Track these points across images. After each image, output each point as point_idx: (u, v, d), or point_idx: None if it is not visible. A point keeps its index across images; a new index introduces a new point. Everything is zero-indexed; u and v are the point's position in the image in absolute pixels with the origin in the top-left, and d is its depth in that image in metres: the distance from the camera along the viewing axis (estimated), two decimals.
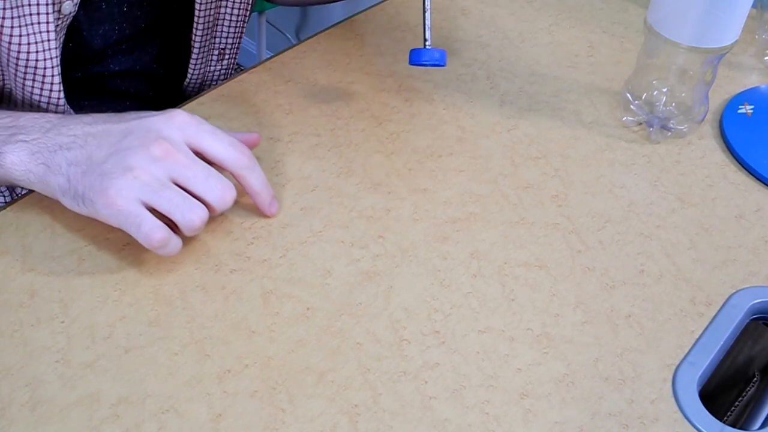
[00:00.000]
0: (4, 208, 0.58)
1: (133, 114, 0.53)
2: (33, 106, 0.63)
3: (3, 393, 0.47)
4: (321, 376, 0.49)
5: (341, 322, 0.52)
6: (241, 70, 0.73)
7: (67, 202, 0.52)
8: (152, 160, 0.50)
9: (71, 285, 0.53)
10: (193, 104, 0.68)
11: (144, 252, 0.55)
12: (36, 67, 0.59)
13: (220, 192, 0.52)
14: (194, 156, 0.52)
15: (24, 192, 0.58)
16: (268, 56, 0.74)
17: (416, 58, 0.60)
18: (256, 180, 0.55)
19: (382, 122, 0.68)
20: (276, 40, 1.90)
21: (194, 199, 0.51)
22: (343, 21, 0.79)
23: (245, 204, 0.59)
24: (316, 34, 0.77)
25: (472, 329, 0.52)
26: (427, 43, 0.60)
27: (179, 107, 0.67)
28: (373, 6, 0.82)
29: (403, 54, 0.75)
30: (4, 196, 0.71)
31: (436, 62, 0.60)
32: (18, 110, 0.59)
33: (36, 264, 0.54)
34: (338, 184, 0.62)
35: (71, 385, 0.47)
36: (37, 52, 0.59)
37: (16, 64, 0.59)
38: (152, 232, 0.50)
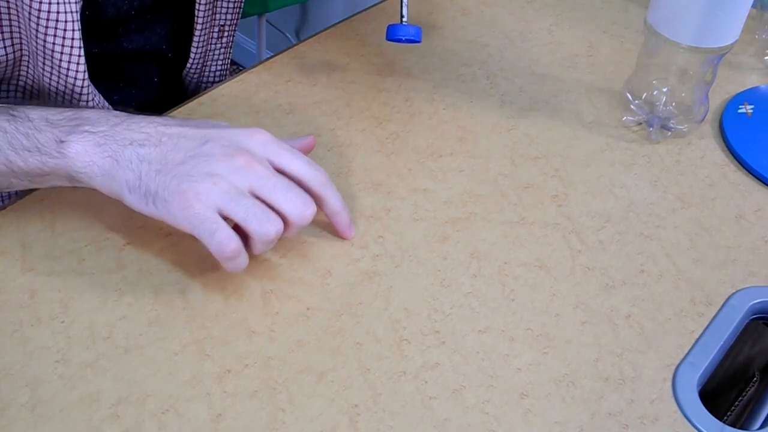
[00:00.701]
0: (4, 208, 0.58)
1: (209, 123, 0.53)
2: (54, 71, 0.62)
3: (3, 393, 0.47)
4: (321, 376, 0.49)
5: (341, 322, 0.52)
6: (241, 70, 0.73)
7: (133, 200, 0.50)
8: (234, 169, 0.49)
9: (71, 285, 0.53)
10: (193, 104, 0.68)
11: (144, 252, 0.55)
12: (57, 20, 0.59)
13: (300, 205, 0.50)
14: (275, 170, 0.51)
15: (22, 192, 0.58)
16: (268, 56, 0.74)
17: (392, 33, 0.60)
18: (335, 199, 0.54)
19: (382, 122, 0.68)
20: (276, 40, 1.89)
21: (272, 211, 0.50)
22: (343, 21, 0.79)
23: None
24: (316, 34, 0.77)
25: (472, 329, 0.52)
26: (403, 20, 0.60)
27: (182, 106, 0.67)
28: (373, 6, 0.82)
29: (403, 54, 0.75)
30: (3, 200, 0.71)
31: (412, 38, 0.60)
32: (41, 96, 0.59)
33: (36, 264, 0.54)
34: (338, 184, 0.61)
35: (71, 385, 0.47)
36: (58, 3, 0.58)
37: (38, 17, 0.58)
38: (227, 240, 0.48)
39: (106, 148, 0.50)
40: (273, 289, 0.54)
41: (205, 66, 0.78)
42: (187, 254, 0.55)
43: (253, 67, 0.73)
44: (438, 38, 0.78)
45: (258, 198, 0.50)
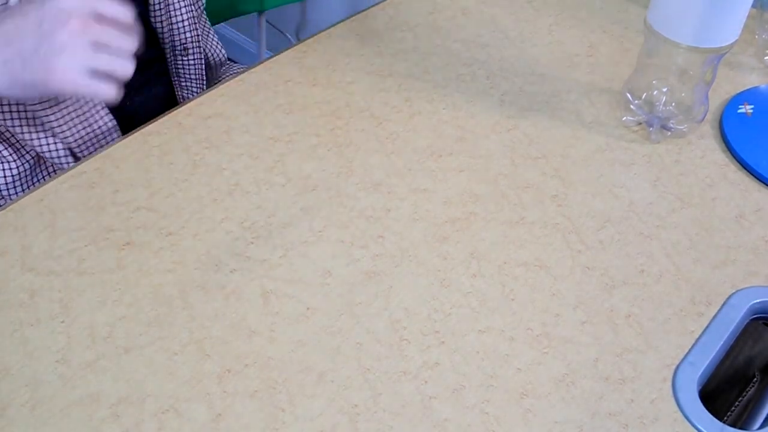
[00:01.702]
0: (4, 208, 0.58)
1: (29, 5, 0.57)
2: None
3: (3, 393, 0.47)
4: (321, 376, 0.49)
5: (341, 322, 0.52)
6: (241, 70, 0.73)
7: (13, 93, 0.57)
8: (75, 35, 0.55)
9: (71, 285, 0.53)
10: (192, 104, 0.68)
11: (144, 252, 0.55)
12: None
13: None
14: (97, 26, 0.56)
15: (22, 192, 0.58)
16: (268, 56, 0.74)
17: None
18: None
19: (382, 122, 0.68)
20: (276, 40, 1.89)
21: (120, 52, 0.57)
22: (343, 21, 0.79)
23: (245, 203, 0.59)
24: (316, 34, 0.77)
25: (472, 329, 0.52)
26: None
27: (182, 106, 0.67)
28: (373, 6, 0.82)
29: (404, 54, 0.75)
30: (4, 198, 0.71)
31: None
32: None
33: (36, 264, 0.54)
34: (338, 184, 0.62)
35: (71, 385, 0.47)
36: None
37: None
38: (105, 92, 0.56)
39: None
40: (273, 289, 0.54)
41: (181, 78, 0.80)
42: (187, 254, 0.55)
43: (253, 67, 0.73)
44: (438, 38, 0.78)
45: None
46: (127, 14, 0.59)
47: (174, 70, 0.79)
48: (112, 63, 0.57)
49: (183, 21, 0.75)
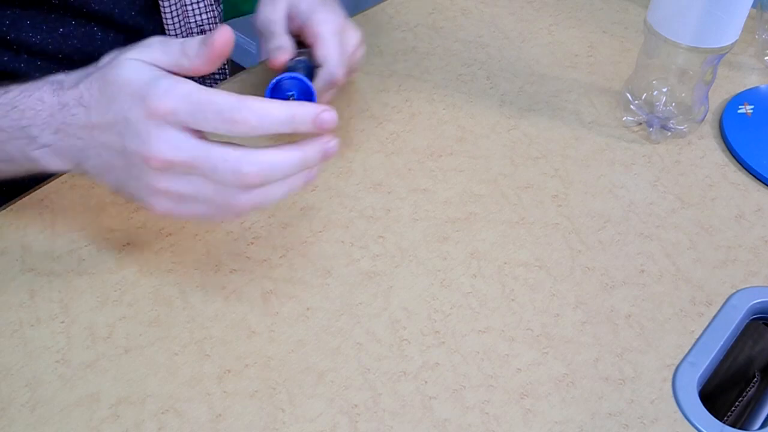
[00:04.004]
0: (4, 208, 0.58)
1: (113, 69, 0.46)
2: None
3: (3, 393, 0.47)
4: (321, 376, 0.49)
5: (341, 322, 0.52)
6: (241, 70, 0.73)
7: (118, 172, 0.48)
8: (160, 173, 0.45)
9: (71, 285, 0.53)
10: None
11: (144, 252, 0.55)
12: None
13: (233, 175, 0.45)
14: (196, 143, 0.45)
15: (23, 192, 0.58)
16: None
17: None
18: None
19: (382, 122, 0.68)
20: None
21: (226, 192, 0.46)
22: None
23: None
24: None
25: (472, 329, 0.52)
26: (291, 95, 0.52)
27: None
28: (373, 6, 0.82)
29: (404, 54, 0.75)
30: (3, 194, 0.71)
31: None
32: None
33: (36, 264, 0.54)
34: (338, 184, 0.61)
35: (71, 385, 0.47)
36: None
37: None
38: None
39: (67, 155, 0.48)
40: (273, 289, 0.54)
41: None
42: (187, 254, 0.55)
43: (253, 67, 0.73)
44: (438, 38, 0.78)
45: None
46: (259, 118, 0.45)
47: None
48: (204, 210, 0.47)
49: (198, 2, 0.72)
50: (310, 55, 0.60)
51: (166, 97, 0.44)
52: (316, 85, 0.58)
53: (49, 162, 0.49)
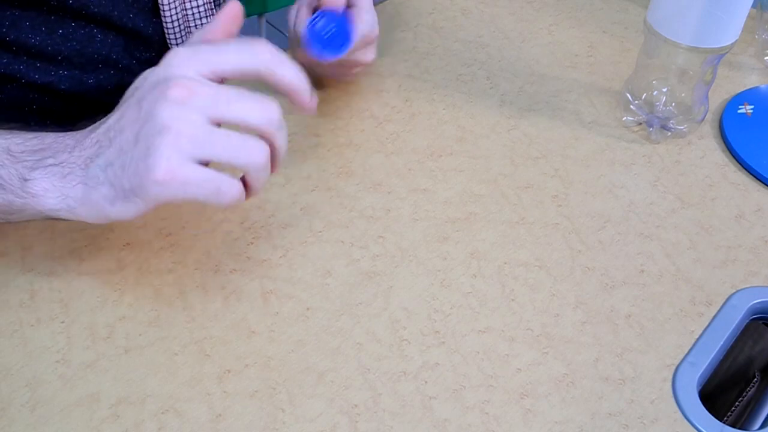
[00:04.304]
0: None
1: (132, 87, 0.48)
2: None
3: (3, 393, 0.47)
4: (321, 376, 0.49)
5: (341, 322, 0.52)
6: None
7: (119, 210, 0.46)
8: (179, 107, 0.43)
9: (71, 285, 0.53)
10: None
11: (144, 252, 0.55)
12: None
13: (262, 108, 0.45)
14: (214, 83, 0.45)
15: None
16: None
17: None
18: (287, 72, 0.47)
19: (382, 122, 0.68)
20: (276, 40, 1.89)
21: (248, 136, 0.45)
22: None
23: (245, 203, 0.59)
24: None
25: (472, 329, 0.52)
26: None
27: None
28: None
29: (404, 54, 0.75)
30: None
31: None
32: None
33: (36, 264, 0.54)
34: (338, 184, 0.62)
35: (71, 385, 0.47)
36: None
37: None
38: (232, 191, 0.45)
39: (72, 177, 0.47)
40: (273, 289, 0.54)
41: None
42: (187, 254, 0.55)
43: None
44: (438, 38, 0.78)
45: (220, 122, 0.45)
46: (262, 63, 0.46)
47: None
48: (237, 152, 0.44)
49: (198, 7, 0.72)
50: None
51: (177, 51, 0.46)
52: (357, 54, 0.61)
53: (43, 186, 0.47)
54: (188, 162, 0.43)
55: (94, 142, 0.48)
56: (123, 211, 0.47)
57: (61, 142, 0.49)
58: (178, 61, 0.45)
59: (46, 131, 0.50)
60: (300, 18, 0.62)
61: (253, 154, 0.45)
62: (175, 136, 0.43)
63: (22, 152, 0.48)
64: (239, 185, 0.46)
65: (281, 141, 0.48)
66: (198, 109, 0.44)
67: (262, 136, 0.46)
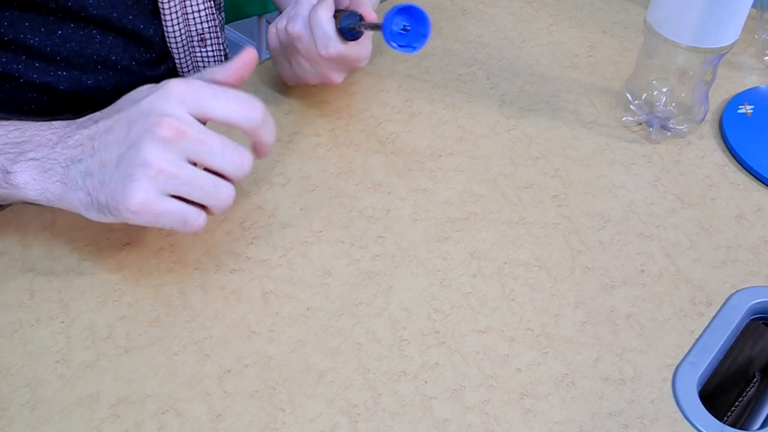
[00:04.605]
0: (4, 208, 0.58)
1: (127, 99, 0.50)
2: None
3: (3, 393, 0.47)
4: (321, 376, 0.49)
5: (341, 322, 0.52)
6: None
7: (92, 215, 0.49)
8: (164, 146, 0.47)
9: (71, 285, 0.53)
10: None
11: (144, 252, 0.55)
12: None
13: (237, 161, 0.49)
14: (203, 128, 0.48)
15: None
16: (268, 56, 0.74)
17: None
18: (267, 134, 0.52)
19: (382, 122, 0.68)
20: None
21: (219, 179, 0.49)
22: None
23: (245, 204, 0.59)
24: None
25: (472, 329, 0.52)
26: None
27: None
28: None
29: (403, 54, 0.75)
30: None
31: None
32: None
33: (36, 264, 0.54)
34: (338, 184, 0.62)
35: (71, 385, 0.47)
36: None
37: None
38: (198, 222, 0.49)
39: (53, 173, 0.49)
40: (273, 289, 0.54)
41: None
42: (187, 254, 0.55)
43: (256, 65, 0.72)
44: (438, 38, 0.78)
45: (197, 161, 0.49)
46: (251, 122, 0.50)
47: (192, 65, 0.76)
48: (209, 195, 0.48)
49: (199, 11, 0.72)
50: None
51: (178, 83, 0.48)
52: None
53: (24, 178, 0.49)
54: (162, 196, 0.47)
55: (77, 143, 0.49)
56: (95, 218, 0.50)
57: (42, 135, 0.50)
58: (175, 94, 0.48)
59: (26, 121, 0.52)
60: (321, 17, 0.63)
61: (221, 198, 0.49)
62: (156, 172, 0.46)
63: (5, 144, 0.50)
64: (203, 216, 0.49)
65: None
66: (181, 151, 0.47)
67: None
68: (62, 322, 0.51)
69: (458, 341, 0.51)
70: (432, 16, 0.81)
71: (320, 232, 0.58)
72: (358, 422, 0.46)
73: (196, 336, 0.50)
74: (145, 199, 0.46)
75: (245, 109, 0.50)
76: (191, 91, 0.48)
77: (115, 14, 0.66)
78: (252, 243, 0.56)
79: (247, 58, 0.53)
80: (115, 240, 0.56)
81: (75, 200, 0.49)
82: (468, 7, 0.83)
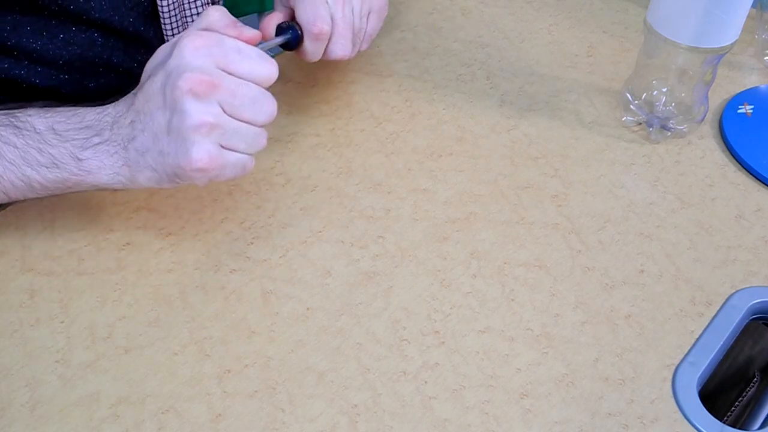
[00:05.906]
0: (4, 208, 0.58)
1: (152, 64, 0.52)
2: None
3: (3, 393, 0.47)
4: (321, 376, 0.49)
5: (341, 322, 0.52)
6: None
7: (165, 186, 0.52)
8: (202, 102, 0.49)
9: (71, 285, 0.53)
10: None
11: (144, 252, 0.55)
12: None
13: (267, 112, 0.52)
14: (232, 78, 0.50)
15: None
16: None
17: None
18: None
19: (382, 122, 0.68)
20: None
21: (256, 129, 0.51)
22: None
23: (245, 203, 0.59)
24: None
25: (472, 329, 0.52)
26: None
27: None
28: None
29: (403, 54, 0.75)
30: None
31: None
32: None
33: (36, 264, 0.54)
34: (338, 184, 0.62)
35: (71, 385, 0.47)
36: None
37: None
38: (252, 163, 0.52)
39: (117, 157, 0.51)
40: (273, 289, 0.54)
41: None
42: (187, 254, 0.55)
43: None
44: (438, 38, 0.78)
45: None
46: (270, 78, 0.53)
47: None
48: (250, 145, 0.51)
49: (198, 12, 0.72)
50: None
51: (194, 37, 0.50)
52: (305, 47, 0.63)
53: (96, 164, 0.50)
54: (221, 149, 0.50)
55: (129, 122, 0.51)
56: (169, 187, 0.53)
57: (101, 119, 0.52)
58: (197, 45, 0.50)
59: (81, 107, 0.53)
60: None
61: (258, 145, 0.52)
62: (209, 129, 0.49)
63: (67, 131, 0.51)
64: (254, 160, 0.52)
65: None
66: (217, 103, 0.49)
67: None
68: (62, 322, 0.51)
69: (458, 341, 0.51)
70: (432, 16, 0.81)
71: (320, 232, 0.58)
72: (358, 422, 0.46)
73: (196, 336, 0.50)
74: (209, 156, 0.49)
75: (261, 65, 0.52)
76: (214, 44, 0.50)
77: (116, 17, 0.66)
78: (252, 243, 0.56)
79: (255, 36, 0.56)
80: (115, 240, 0.56)
81: (144, 180, 0.51)
82: (468, 7, 0.83)
